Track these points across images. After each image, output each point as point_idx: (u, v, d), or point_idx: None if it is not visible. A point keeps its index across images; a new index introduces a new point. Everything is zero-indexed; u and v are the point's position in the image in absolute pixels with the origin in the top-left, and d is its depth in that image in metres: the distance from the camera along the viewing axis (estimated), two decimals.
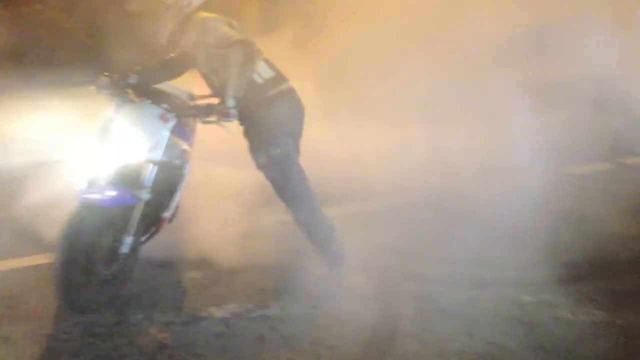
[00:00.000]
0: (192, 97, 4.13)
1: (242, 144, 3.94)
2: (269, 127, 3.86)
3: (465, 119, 5.52)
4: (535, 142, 5.18)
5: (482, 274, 4.05)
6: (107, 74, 3.93)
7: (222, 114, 3.64)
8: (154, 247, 3.92)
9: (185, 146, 3.87)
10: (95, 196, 3.58)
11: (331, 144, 5.36)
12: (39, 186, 4.75)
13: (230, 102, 3.62)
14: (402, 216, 4.81)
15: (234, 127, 3.84)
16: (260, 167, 3.91)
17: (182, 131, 3.87)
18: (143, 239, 3.83)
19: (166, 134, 3.73)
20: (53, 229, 3.64)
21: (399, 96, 5.68)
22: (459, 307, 3.70)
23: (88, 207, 3.54)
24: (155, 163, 3.70)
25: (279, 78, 3.95)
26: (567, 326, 3.55)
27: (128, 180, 3.68)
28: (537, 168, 4.98)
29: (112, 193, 3.60)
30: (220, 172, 4.77)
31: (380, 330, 3.49)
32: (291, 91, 3.97)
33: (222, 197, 4.53)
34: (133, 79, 3.91)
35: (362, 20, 6.15)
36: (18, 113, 6.71)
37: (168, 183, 3.80)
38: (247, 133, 3.93)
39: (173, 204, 3.86)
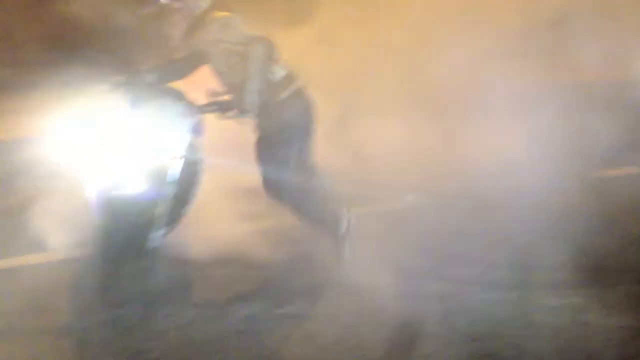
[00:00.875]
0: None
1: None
2: (280, 127, 3.95)
3: (495, 116, 5.49)
4: (565, 143, 5.14)
5: (509, 276, 4.00)
6: (124, 72, 4.00)
7: (242, 110, 3.72)
8: (180, 244, 3.95)
9: (200, 142, 3.94)
10: (126, 191, 3.65)
11: (369, 140, 5.39)
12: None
13: (250, 98, 3.70)
14: (433, 215, 4.79)
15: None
16: (262, 162, 4.01)
17: (196, 127, 3.94)
18: (165, 233, 3.89)
19: (188, 130, 3.79)
20: (75, 224, 3.72)
21: (435, 89, 5.68)
22: (485, 308, 3.67)
23: (120, 202, 3.62)
24: (178, 159, 3.76)
25: (291, 77, 4.02)
26: (594, 330, 3.49)
27: (154, 175, 3.74)
28: (567, 170, 4.94)
29: (141, 188, 3.67)
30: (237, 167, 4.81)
31: (405, 330, 3.48)
32: (303, 90, 4.05)
33: (243, 193, 4.55)
34: (150, 77, 3.96)
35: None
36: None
37: (187, 178, 3.86)
38: (258, 129, 3.99)
39: (193, 199, 3.92)
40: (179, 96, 3.90)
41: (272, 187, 4.05)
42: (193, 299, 3.78)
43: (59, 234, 4.35)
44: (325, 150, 4.63)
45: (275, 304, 3.71)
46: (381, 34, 5.99)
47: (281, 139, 3.98)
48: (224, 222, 4.33)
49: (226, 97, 3.88)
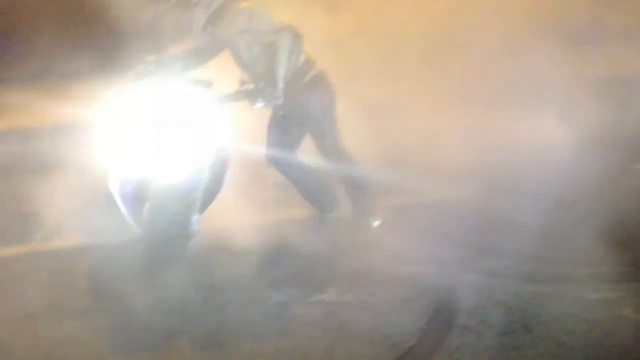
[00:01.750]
0: None
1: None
2: (299, 109, 4.09)
3: (533, 106, 5.42)
4: (605, 135, 5.05)
5: (544, 269, 3.97)
6: (151, 59, 4.06)
7: (272, 97, 3.83)
8: (213, 231, 4.02)
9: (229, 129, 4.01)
10: (167, 179, 3.73)
11: (406, 129, 5.38)
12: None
13: (280, 85, 3.82)
14: (468, 207, 4.77)
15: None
16: (273, 140, 4.16)
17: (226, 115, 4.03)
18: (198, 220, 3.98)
19: (221, 117, 3.85)
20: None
21: (481, 76, 5.64)
22: (519, 301, 3.65)
23: (166, 188, 3.71)
24: (212, 145, 3.82)
25: (311, 62, 4.12)
26: (630, 325, 3.45)
27: (192, 163, 3.81)
28: (605, 163, 4.85)
29: (181, 175, 3.74)
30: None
31: (436, 321, 3.48)
32: (323, 74, 4.16)
33: (277, 181, 4.59)
34: (179, 65, 4.02)
35: None
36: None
37: (218, 165, 3.93)
38: (277, 109, 4.10)
39: (223, 185, 3.99)
40: (209, 84, 3.96)
41: (278, 164, 4.22)
42: (228, 285, 3.85)
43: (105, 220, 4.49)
44: (361, 139, 4.65)
45: (308, 292, 3.76)
46: (419, 20, 5.94)
47: (297, 121, 4.13)
48: (258, 210, 4.40)
49: (251, 86, 3.96)
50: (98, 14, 6.47)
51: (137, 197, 3.88)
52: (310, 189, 4.38)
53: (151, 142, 3.81)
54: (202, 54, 4.20)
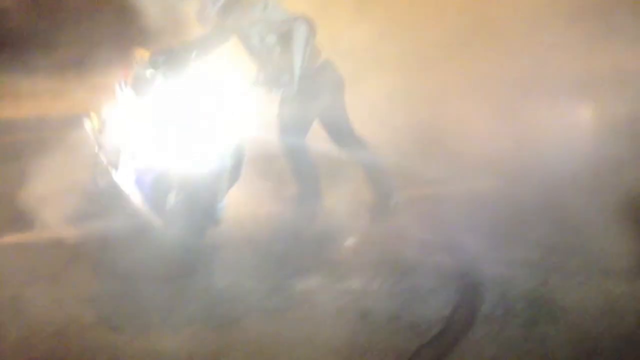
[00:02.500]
0: None
1: None
2: (307, 95, 4.11)
3: (562, 99, 5.37)
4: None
5: (571, 261, 3.95)
6: (164, 49, 4.09)
7: (289, 85, 3.92)
8: (239, 220, 4.06)
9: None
10: (199, 166, 3.77)
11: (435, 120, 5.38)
12: None
13: (297, 74, 3.89)
14: (497, 197, 4.75)
15: None
16: (282, 130, 4.24)
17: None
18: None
19: (243, 105, 3.89)
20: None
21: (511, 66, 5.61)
22: (544, 292, 3.62)
23: (193, 177, 3.76)
24: (234, 132, 3.86)
25: (317, 50, 4.17)
26: None
27: (217, 149, 3.85)
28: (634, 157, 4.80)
29: (210, 162, 3.79)
30: None
31: (460, 310, 3.48)
32: (330, 63, 4.23)
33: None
34: (192, 54, 4.05)
35: None
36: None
37: (237, 151, 3.96)
38: (288, 100, 4.15)
39: (241, 173, 4.02)
40: (228, 73, 4.00)
41: (288, 150, 4.29)
42: (252, 271, 3.87)
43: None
44: (392, 130, 4.66)
45: (332, 280, 3.77)
46: (450, 17, 5.93)
47: (307, 107, 4.17)
48: (281, 199, 4.43)
49: (268, 75, 4.04)
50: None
51: (157, 188, 3.92)
52: (305, 178, 4.42)
53: (175, 132, 3.85)
54: (211, 44, 4.24)
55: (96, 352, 3.17)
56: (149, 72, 4.05)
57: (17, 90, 7.35)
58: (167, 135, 3.86)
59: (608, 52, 5.71)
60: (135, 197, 3.97)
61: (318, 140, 4.33)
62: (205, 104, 3.86)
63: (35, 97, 7.16)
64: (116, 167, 4.16)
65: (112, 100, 4.19)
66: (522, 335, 3.26)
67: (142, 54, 4.25)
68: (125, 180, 4.01)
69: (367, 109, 4.95)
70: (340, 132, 4.38)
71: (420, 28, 5.91)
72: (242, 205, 4.07)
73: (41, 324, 3.40)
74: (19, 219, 4.32)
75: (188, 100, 3.88)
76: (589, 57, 5.58)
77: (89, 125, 4.26)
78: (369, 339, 3.24)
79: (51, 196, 4.38)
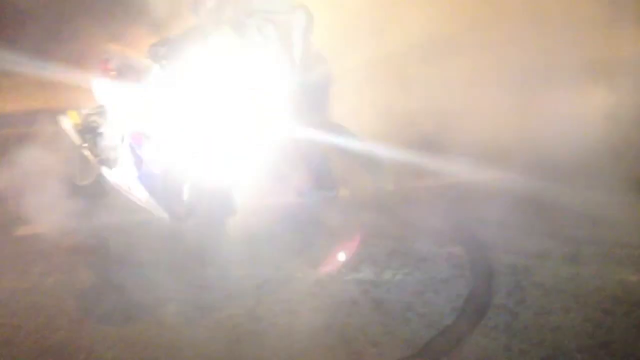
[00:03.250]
0: None
1: None
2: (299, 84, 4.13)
3: (579, 87, 5.33)
4: None
5: (585, 251, 3.94)
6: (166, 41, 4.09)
7: (291, 75, 3.98)
8: (253, 210, 4.08)
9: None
10: (215, 156, 3.81)
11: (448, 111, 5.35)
12: None
13: (299, 63, 3.97)
14: (509, 187, 4.73)
15: None
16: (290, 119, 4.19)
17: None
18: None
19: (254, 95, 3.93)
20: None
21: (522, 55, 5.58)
22: (558, 282, 3.62)
23: (209, 167, 3.79)
24: (250, 123, 3.92)
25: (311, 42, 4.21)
26: None
27: (232, 140, 3.89)
28: None
29: (228, 152, 3.84)
30: None
31: (473, 301, 3.49)
32: (320, 52, 4.26)
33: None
34: (195, 46, 4.07)
35: None
36: None
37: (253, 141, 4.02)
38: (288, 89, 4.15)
39: (255, 163, 4.08)
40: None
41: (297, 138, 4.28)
42: (266, 262, 3.90)
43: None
44: (402, 119, 4.65)
45: (345, 270, 3.80)
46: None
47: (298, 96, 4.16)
48: (294, 189, 4.44)
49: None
50: None
51: (169, 180, 3.93)
52: (317, 165, 4.45)
53: (189, 122, 3.88)
54: (207, 35, 4.27)
55: (110, 343, 3.21)
56: (148, 63, 4.04)
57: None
58: (181, 126, 3.90)
59: (621, 37, 5.66)
60: (140, 192, 3.99)
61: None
62: (218, 94, 3.88)
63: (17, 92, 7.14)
64: (110, 163, 4.19)
65: (92, 95, 4.23)
66: (535, 326, 3.27)
67: (116, 49, 4.29)
68: (126, 175, 4.04)
69: (373, 99, 4.97)
70: (322, 125, 4.38)
71: (425, 14, 5.89)
72: (257, 195, 4.08)
73: (55, 314, 3.45)
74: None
75: (201, 91, 3.90)
76: (601, 43, 5.53)
77: (67, 122, 4.29)
78: (381, 330, 3.26)
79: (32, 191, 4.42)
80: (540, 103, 5.34)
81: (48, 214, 4.19)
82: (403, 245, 4.03)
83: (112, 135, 4.36)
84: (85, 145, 4.23)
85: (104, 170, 4.35)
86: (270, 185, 4.38)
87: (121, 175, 4.15)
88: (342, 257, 3.93)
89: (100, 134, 4.34)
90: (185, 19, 4.38)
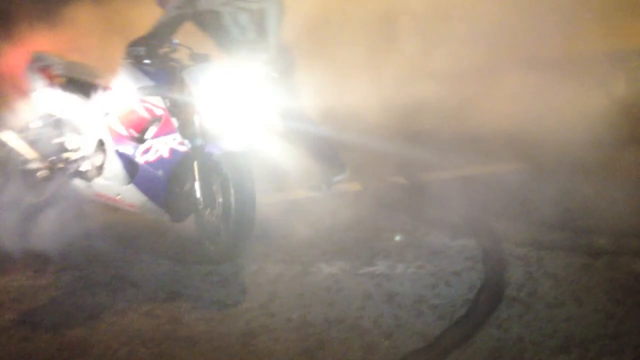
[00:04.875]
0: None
1: None
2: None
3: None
4: None
5: (598, 241, 3.96)
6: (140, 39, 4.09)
7: (269, 62, 4.11)
8: (267, 205, 4.10)
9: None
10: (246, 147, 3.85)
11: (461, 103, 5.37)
12: None
13: (275, 50, 4.10)
14: (520, 179, 4.75)
15: None
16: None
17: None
18: None
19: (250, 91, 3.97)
20: None
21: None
22: (570, 273, 3.64)
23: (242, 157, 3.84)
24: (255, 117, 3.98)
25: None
26: None
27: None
28: None
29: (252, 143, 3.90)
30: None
31: (486, 293, 3.51)
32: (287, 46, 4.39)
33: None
34: (173, 42, 4.08)
35: None
36: None
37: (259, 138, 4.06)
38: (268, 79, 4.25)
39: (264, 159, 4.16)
40: (208, 58, 4.03)
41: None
42: (280, 256, 3.94)
43: None
44: (411, 113, 4.67)
45: (358, 264, 3.82)
46: None
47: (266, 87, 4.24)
48: (308, 184, 4.46)
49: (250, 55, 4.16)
50: None
51: (170, 180, 3.96)
52: (323, 149, 4.53)
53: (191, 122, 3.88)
54: (172, 27, 4.29)
55: (126, 338, 3.25)
56: (131, 62, 4.03)
57: None
58: (182, 124, 3.90)
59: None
60: (134, 198, 4.01)
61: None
62: (220, 92, 3.88)
63: None
64: (86, 175, 4.20)
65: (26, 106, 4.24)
66: (547, 317, 3.28)
67: (49, 55, 4.31)
68: (113, 184, 4.07)
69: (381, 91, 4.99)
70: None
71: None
72: (268, 190, 4.11)
73: (73, 310, 3.50)
74: None
75: (201, 89, 3.88)
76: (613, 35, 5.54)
77: (11, 138, 4.27)
78: (394, 322, 3.28)
79: None
80: (551, 95, 5.36)
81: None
82: (416, 238, 4.06)
83: (78, 145, 4.38)
84: (41, 160, 4.23)
85: (76, 183, 4.34)
86: (282, 179, 4.41)
87: (105, 185, 4.15)
88: (354, 251, 3.95)
89: (61, 146, 4.39)
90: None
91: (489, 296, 3.47)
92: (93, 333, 3.28)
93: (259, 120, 3.99)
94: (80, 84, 4.49)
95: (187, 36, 4.23)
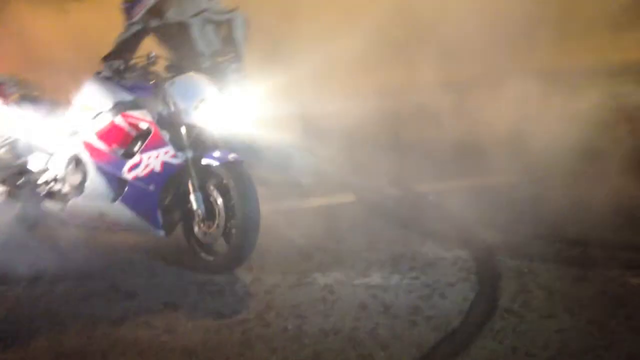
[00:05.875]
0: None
1: None
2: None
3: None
4: None
5: (589, 254, 4.00)
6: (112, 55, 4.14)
7: (240, 72, 4.31)
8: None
9: None
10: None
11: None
12: None
13: (244, 60, 4.28)
14: (512, 192, 4.80)
15: None
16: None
17: None
18: None
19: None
20: None
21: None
22: (562, 285, 3.68)
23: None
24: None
25: None
26: None
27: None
28: None
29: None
30: None
31: (479, 304, 3.54)
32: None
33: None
34: (151, 56, 4.10)
35: None
36: None
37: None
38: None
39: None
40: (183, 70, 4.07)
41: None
42: (275, 267, 3.97)
43: None
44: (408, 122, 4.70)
45: (353, 275, 3.86)
46: None
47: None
48: (303, 195, 4.49)
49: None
50: None
51: (160, 194, 3.93)
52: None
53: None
54: (137, 41, 4.38)
55: (123, 348, 3.26)
56: (105, 76, 4.02)
57: None
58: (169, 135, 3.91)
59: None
60: (120, 216, 3.95)
61: None
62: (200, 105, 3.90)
63: None
64: (61, 196, 4.08)
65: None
66: (540, 328, 3.31)
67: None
68: (95, 203, 3.98)
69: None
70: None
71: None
72: (264, 201, 4.13)
73: (69, 319, 3.50)
74: None
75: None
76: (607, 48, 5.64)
77: None
78: (389, 333, 3.31)
79: None
80: (549, 106, 5.43)
81: None
82: (410, 249, 4.09)
83: (44, 165, 4.24)
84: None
85: (47, 205, 4.19)
86: (274, 189, 4.44)
87: (84, 205, 4.02)
88: (349, 262, 3.98)
89: (21, 168, 4.23)
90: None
91: (483, 307, 3.50)
92: (90, 343, 3.30)
93: (245, 128, 4.04)
94: (37, 101, 4.37)
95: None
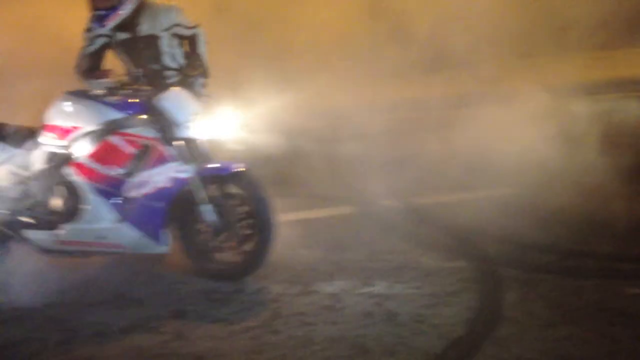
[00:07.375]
0: None
1: None
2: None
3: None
4: None
5: (587, 264, 4.10)
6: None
7: (205, 85, 4.46)
8: None
9: None
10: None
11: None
12: None
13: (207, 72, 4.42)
14: (513, 203, 4.89)
15: None
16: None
17: None
18: None
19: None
20: None
21: None
22: (561, 295, 3.76)
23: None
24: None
25: None
26: None
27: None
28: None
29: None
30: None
31: (482, 313, 3.61)
32: None
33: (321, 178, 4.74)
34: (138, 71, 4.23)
35: None
36: None
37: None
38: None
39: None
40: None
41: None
42: (280, 276, 4.03)
43: None
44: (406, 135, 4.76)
45: (357, 284, 3.92)
46: None
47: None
48: (307, 206, 4.55)
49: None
50: None
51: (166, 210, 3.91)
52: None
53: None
54: (101, 56, 4.44)
55: (132, 355, 3.30)
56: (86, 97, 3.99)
57: None
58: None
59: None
60: (122, 237, 3.90)
61: None
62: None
63: None
64: (53, 224, 3.91)
65: None
66: (542, 337, 3.39)
67: None
68: (92, 226, 3.89)
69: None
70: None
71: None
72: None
73: (79, 327, 3.54)
74: None
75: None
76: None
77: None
78: (395, 340, 3.37)
79: None
80: (541, 118, 5.54)
81: None
82: (411, 260, 4.17)
83: (24, 193, 4.02)
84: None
85: (31, 235, 3.98)
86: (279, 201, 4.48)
87: (81, 229, 3.90)
88: (354, 271, 4.05)
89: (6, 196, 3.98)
90: None
91: (486, 316, 3.57)
92: (101, 349, 3.34)
93: (238, 137, 4.11)
94: (5, 129, 4.10)
95: None
